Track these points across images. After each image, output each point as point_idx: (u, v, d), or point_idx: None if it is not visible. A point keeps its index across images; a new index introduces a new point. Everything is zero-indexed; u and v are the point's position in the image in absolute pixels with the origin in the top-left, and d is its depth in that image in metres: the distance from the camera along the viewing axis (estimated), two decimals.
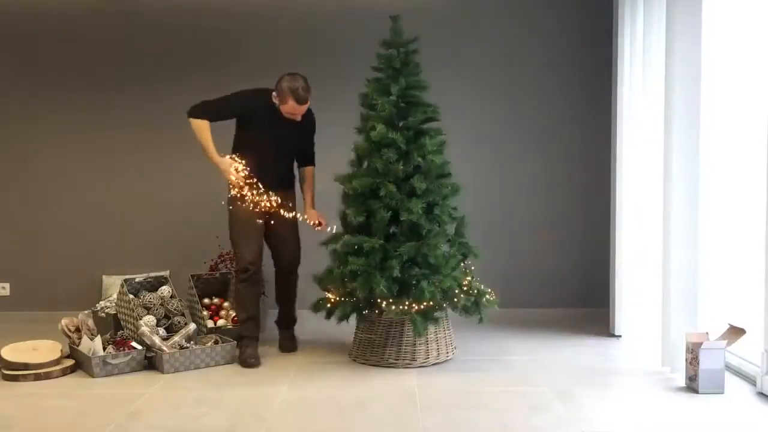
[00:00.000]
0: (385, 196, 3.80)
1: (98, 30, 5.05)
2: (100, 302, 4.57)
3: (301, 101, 3.95)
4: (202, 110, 3.96)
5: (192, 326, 4.10)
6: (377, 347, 3.92)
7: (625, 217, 4.46)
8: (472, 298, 3.90)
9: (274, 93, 3.97)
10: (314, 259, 4.25)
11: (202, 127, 3.95)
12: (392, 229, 3.90)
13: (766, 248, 3.20)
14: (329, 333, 4.50)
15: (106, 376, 3.73)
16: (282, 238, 4.16)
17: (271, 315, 4.89)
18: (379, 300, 3.74)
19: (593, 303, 4.98)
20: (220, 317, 4.45)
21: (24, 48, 5.08)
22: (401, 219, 3.80)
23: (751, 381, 3.46)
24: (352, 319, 3.97)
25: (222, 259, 4.87)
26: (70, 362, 3.86)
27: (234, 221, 4.06)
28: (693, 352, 3.39)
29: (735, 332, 3.43)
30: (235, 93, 4.02)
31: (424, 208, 3.83)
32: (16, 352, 3.78)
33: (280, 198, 4.00)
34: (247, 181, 3.95)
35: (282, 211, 3.98)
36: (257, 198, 3.95)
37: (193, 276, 4.53)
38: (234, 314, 4.44)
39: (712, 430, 2.94)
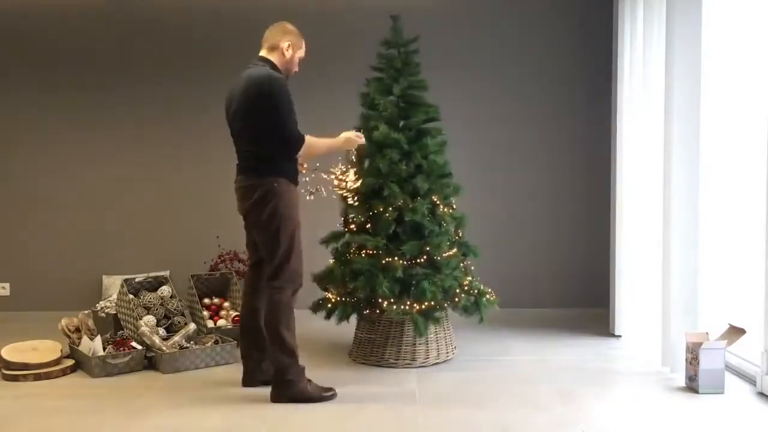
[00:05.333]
0: (389, 196, 3.80)
1: (99, 28, 5.06)
2: (100, 302, 4.57)
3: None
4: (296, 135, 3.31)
5: (192, 326, 4.10)
6: (377, 347, 3.92)
7: (625, 217, 4.46)
8: (473, 298, 3.91)
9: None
10: (314, 258, 4.25)
11: (308, 144, 3.34)
12: (393, 229, 3.90)
13: (766, 248, 3.20)
14: (329, 333, 4.50)
15: (106, 376, 3.73)
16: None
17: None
18: (380, 300, 3.74)
19: (593, 303, 4.98)
20: (220, 317, 4.45)
21: (23, 47, 5.08)
22: (405, 219, 3.80)
23: (751, 381, 3.46)
24: (352, 319, 3.97)
25: (222, 259, 4.87)
26: (70, 362, 3.86)
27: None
28: (693, 352, 3.39)
29: (735, 332, 3.43)
30: (282, 90, 3.27)
31: (430, 208, 3.83)
32: (16, 352, 3.78)
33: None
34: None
35: None
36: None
37: (193, 276, 4.53)
38: (234, 314, 4.44)
39: (712, 430, 2.94)
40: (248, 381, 3.53)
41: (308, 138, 3.34)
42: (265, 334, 3.35)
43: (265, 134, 3.27)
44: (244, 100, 3.29)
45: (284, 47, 3.43)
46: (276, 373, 3.32)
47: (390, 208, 3.80)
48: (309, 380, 3.38)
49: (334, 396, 3.36)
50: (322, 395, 3.33)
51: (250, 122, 3.29)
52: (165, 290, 4.32)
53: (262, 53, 3.46)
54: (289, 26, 3.49)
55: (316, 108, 5.09)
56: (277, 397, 3.30)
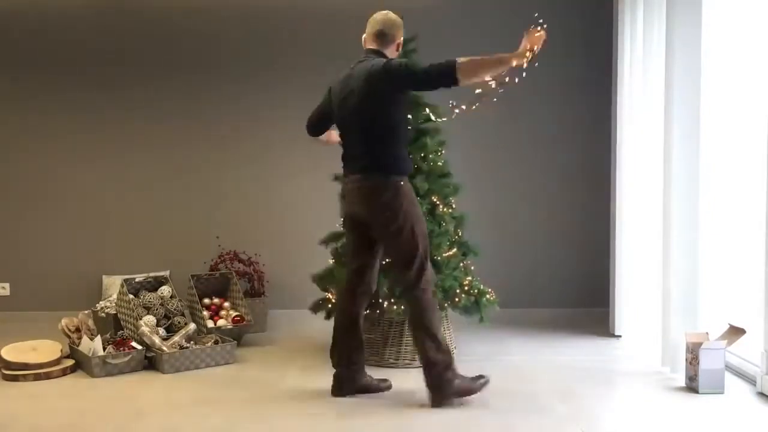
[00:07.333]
0: None
1: (97, 29, 5.05)
2: (100, 302, 4.57)
3: None
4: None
5: (192, 326, 4.10)
6: (377, 347, 3.92)
7: (625, 217, 4.46)
8: (473, 298, 3.90)
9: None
10: (314, 258, 4.25)
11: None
12: None
13: (766, 248, 3.21)
14: (329, 333, 4.49)
15: (106, 376, 3.73)
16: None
17: (271, 315, 4.90)
18: (380, 300, 3.74)
19: (593, 303, 4.98)
20: (220, 317, 4.45)
21: (23, 47, 5.08)
22: None
23: (751, 381, 3.46)
24: None
25: (222, 259, 4.87)
26: (70, 362, 3.86)
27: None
28: (693, 352, 3.39)
29: (735, 332, 3.43)
30: None
31: (429, 208, 3.83)
32: (16, 352, 3.78)
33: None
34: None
35: None
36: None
37: (193, 276, 4.53)
38: (234, 314, 4.44)
39: (712, 430, 2.94)
40: (344, 390, 3.38)
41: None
42: (415, 338, 3.21)
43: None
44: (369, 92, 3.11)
45: (400, 43, 3.33)
46: (434, 376, 3.17)
47: None
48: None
49: (488, 382, 3.26)
50: (479, 383, 3.24)
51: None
52: (165, 290, 4.32)
53: (374, 46, 3.27)
54: (399, 20, 3.33)
55: (311, 107, 5.09)
56: (441, 400, 3.17)
